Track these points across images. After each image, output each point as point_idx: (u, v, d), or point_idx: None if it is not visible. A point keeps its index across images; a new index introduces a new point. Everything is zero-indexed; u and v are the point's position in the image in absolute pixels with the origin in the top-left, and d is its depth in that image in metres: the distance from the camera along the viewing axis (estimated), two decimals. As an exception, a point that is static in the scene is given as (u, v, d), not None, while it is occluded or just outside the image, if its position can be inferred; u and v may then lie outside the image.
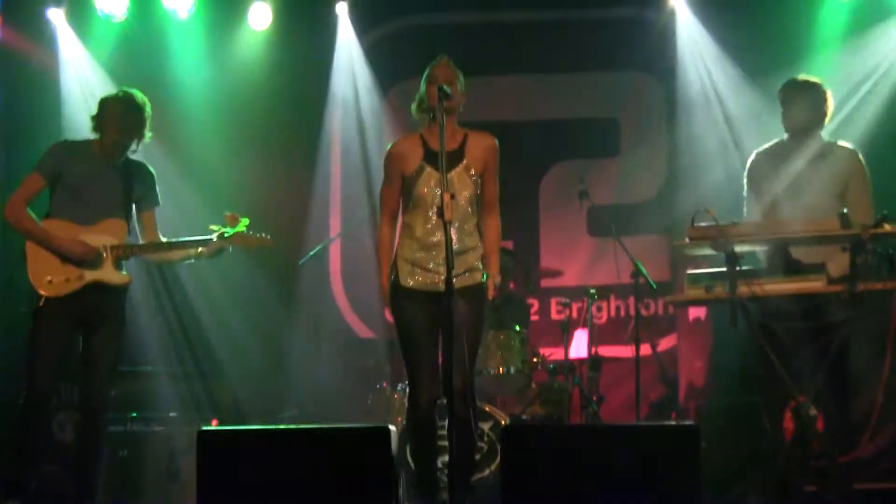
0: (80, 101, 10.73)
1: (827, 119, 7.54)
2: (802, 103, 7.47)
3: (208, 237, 7.60)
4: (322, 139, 11.37)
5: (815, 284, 6.98)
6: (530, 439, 6.00)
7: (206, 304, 10.14)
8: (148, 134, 7.69)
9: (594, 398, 9.57)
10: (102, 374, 7.32)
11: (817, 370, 7.24)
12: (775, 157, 7.53)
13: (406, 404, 8.57)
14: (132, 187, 7.59)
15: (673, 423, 9.45)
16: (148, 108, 7.68)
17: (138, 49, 10.96)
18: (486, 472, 7.86)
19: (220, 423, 8.62)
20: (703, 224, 6.94)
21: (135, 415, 9.19)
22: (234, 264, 10.13)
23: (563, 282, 10.88)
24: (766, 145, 7.64)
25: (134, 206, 7.65)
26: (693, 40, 10.98)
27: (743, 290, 6.89)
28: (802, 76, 7.67)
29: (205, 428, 6.08)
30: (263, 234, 7.77)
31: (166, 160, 10.41)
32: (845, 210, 6.83)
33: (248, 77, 11.04)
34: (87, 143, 7.60)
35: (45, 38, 10.99)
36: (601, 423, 9.31)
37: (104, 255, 7.27)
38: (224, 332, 9.82)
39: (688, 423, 9.03)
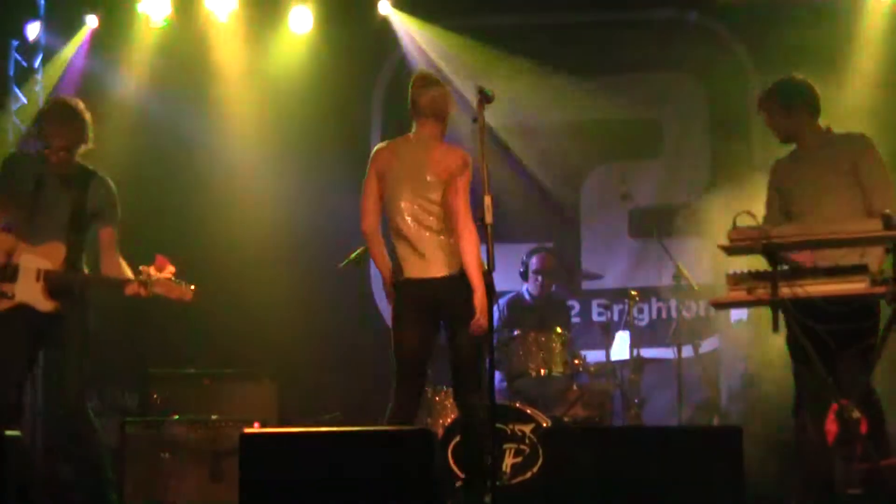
0: (122, 102, 10.80)
1: (817, 109, 7.49)
2: (774, 110, 7.47)
3: (131, 279, 7.34)
4: (365, 143, 11.42)
5: (858, 286, 6.96)
6: (571, 442, 6.00)
7: (247, 306, 10.18)
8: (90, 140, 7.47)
9: (636, 400, 9.58)
10: (64, 387, 7.16)
11: (861, 373, 7.23)
12: (791, 160, 7.52)
13: (447, 406, 8.71)
14: (84, 202, 7.37)
15: (716, 425, 9.44)
16: (86, 114, 7.45)
17: (179, 52, 11.04)
18: (528, 474, 7.87)
19: (263, 426, 8.63)
20: (744, 226, 6.93)
21: (178, 417, 9.24)
22: (277, 267, 10.21)
23: (605, 284, 10.89)
24: (783, 156, 7.63)
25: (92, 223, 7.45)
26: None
27: (785, 291, 6.88)
28: (781, 80, 7.61)
29: (248, 430, 6.08)
30: (188, 285, 7.54)
31: (207, 163, 10.51)
32: (887, 210, 6.81)
33: (289, 80, 11.06)
34: (36, 155, 7.42)
35: (86, 40, 11.08)
36: (643, 425, 9.31)
37: (36, 278, 7.09)
38: (265, 334, 9.85)
39: (731, 425, 9.03)
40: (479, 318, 6.93)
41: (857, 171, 7.27)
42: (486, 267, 6.77)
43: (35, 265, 7.13)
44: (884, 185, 7.25)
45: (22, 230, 7.18)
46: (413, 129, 7.31)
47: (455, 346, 7.02)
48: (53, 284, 7.13)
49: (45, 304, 7.10)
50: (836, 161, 7.35)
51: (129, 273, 7.34)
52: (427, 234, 7.08)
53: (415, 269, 7.13)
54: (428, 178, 7.10)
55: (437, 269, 7.04)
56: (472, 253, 7.09)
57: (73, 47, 11.08)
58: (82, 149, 7.44)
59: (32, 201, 7.21)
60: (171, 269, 7.41)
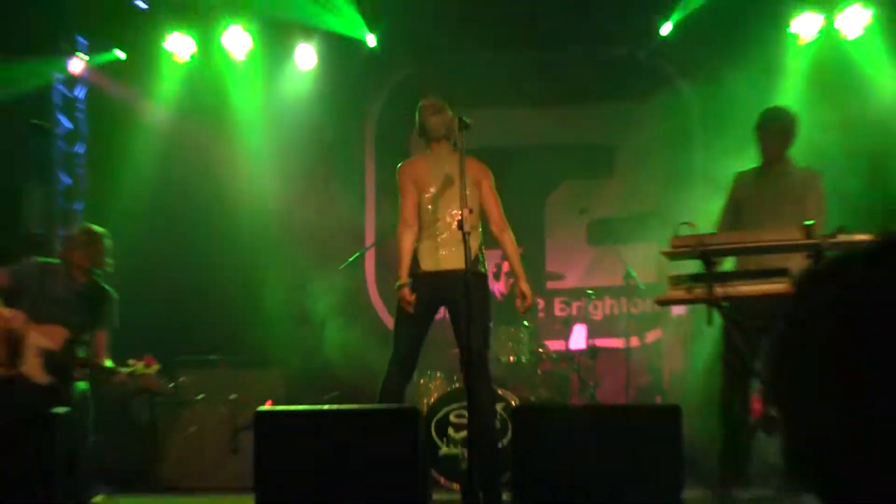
0: (150, 132, 10.88)
1: (791, 143, 7.58)
2: (775, 131, 7.53)
3: (120, 370, 7.35)
4: (360, 161, 11.49)
5: (781, 286, 7.08)
6: (537, 418, 6.06)
7: (259, 303, 10.23)
8: (109, 262, 7.63)
9: (591, 383, 9.63)
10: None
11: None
12: (752, 177, 7.59)
13: (431, 388, 8.79)
14: (89, 310, 7.49)
15: (658, 404, 9.53)
16: (106, 240, 7.59)
17: (200, 84, 11.06)
18: (499, 445, 7.96)
19: (274, 404, 8.69)
20: (684, 235, 7.03)
21: (201, 397, 9.29)
22: (284, 269, 10.26)
23: (565, 284, 10.95)
24: (746, 168, 7.70)
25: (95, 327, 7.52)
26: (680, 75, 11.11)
27: (718, 290, 6.98)
28: (774, 106, 7.67)
29: (261, 408, 6.14)
30: (167, 381, 7.68)
31: (223, 178, 10.56)
32: (808, 222, 6.93)
33: (295, 108, 11.09)
34: (55, 265, 7.51)
35: (120, 75, 11.16)
36: (597, 404, 9.37)
37: (35, 355, 7.08)
38: (275, 327, 9.90)
39: (671, 404, 9.12)
40: (529, 298, 7.14)
41: (805, 199, 7.39)
42: (476, 268, 6.81)
43: (38, 342, 7.13)
44: (820, 214, 7.39)
45: (29, 312, 7.18)
46: (428, 150, 7.30)
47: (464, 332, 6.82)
48: (50, 362, 7.13)
49: (40, 377, 7.04)
50: (793, 188, 7.44)
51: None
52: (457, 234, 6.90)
53: (441, 263, 7.11)
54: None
55: (458, 262, 6.80)
56: (512, 244, 7.29)
57: (106, 79, 11.17)
58: (98, 269, 7.57)
59: (52, 297, 7.33)
60: (156, 367, 7.47)
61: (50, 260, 7.67)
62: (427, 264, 7.09)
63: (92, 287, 7.55)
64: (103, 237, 7.61)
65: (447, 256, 7.07)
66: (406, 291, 6.98)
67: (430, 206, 7.12)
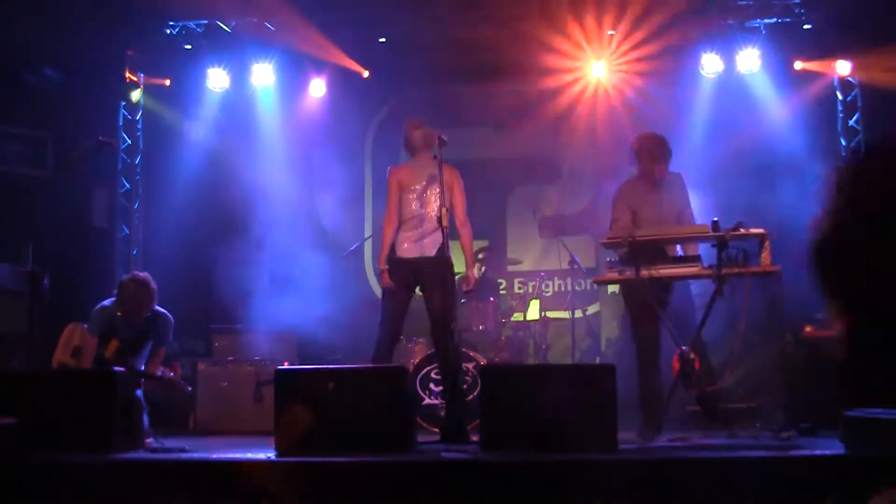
0: (192, 147, 10.83)
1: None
2: (663, 159, 7.45)
3: (152, 374, 7.33)
4: (361, 170, 11.43)
5: (693, 269, 7.02)
6: (500, 376, 6.01)
7: (277, 280, 10.14)
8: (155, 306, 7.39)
9: (543, 347, 9.60)
10: None
11: (692, 327, 7.30)
12: (643, 185, 7.50)
13: (415, 350, 8.70)
14: (146, 336, 7.37)
15: (597, 364, 9.47)
16: (151, 283, 7.33)
17: (233, 108, 11.02)
18: (470, 397, 7.87)
19: (290, 364, 8.60)
20: (616, 229, 6.97)
21: (231, 358, 9.20)
22: (297, 254, 10.17)
23: (522, 268, 10.91)
24: (628, 178, 7.61)
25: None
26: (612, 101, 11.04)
27: (644, 273, 6.91)
28: (650, 134, 7.57)
29: (280, 367, 6.06)
30: (186, 386, 7.60)
31: (249, 188, 10.48)
32: (716, 219, 6.88)
33: (309, 128, 11.03)
34: (116, 312, 7.30)
35: (169, 102, 11.13)
36: (548, 364, 9.33)
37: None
38: (290, 301, 9.81)
39: (607, 364, 9.05)
40: (472, 282, 7.17)
41: (679, 198, 7.34)
42: (445, 255, 6.77)
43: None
44: (688, 206, 7.48)
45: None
46: (412, 158, 7.31)
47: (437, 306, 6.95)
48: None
49: None
50: (675, 193, 7.41)
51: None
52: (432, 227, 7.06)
53: (421, 250, 7.09)
54: (436, 189, 7.07)
55: (433, 250, 6.99)
56: (469, 238, 7.25)
57: (159, 104, 11.15)
58: (149, 309, 7.34)
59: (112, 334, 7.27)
60: (179, 372, 7.55)
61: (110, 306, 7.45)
62: (408, 252, 7.02)
63: (147, 321, 7.35)
64: (148, 284, 7.33)
65: (424, 245, 7.05)
66: (386, 275, 7.04)
67: (412, 204, 7.10)
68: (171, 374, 7.38)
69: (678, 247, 7.37)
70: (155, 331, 7.38)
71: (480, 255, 10.04)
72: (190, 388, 7.47)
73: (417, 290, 7.24)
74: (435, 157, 6.80)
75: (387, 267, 7.06)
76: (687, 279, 7.27)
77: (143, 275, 7.44)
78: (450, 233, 7.02)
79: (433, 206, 7.07)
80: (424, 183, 7.14)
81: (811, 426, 6.75)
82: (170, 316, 7.47)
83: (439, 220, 6.61)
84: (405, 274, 7.06)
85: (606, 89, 11.02)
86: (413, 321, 7.39)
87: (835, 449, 5.49)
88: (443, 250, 6.69)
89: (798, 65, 10.58)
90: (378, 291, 7.55)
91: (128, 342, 7.27)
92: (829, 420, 6.45)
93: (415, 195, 7.14)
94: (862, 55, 10.25)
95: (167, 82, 11.02)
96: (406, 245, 7.10)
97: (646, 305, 6.99)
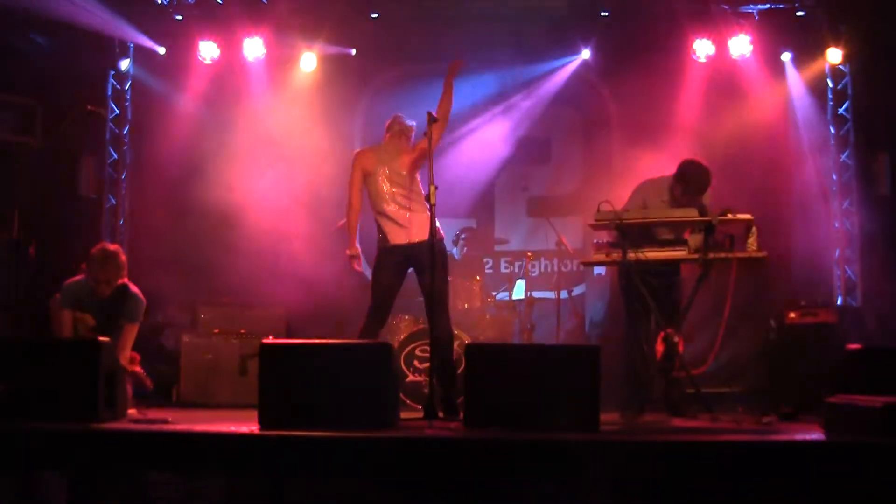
0: (180, 118, 10.77)
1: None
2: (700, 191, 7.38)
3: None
4: (350, 146, 11.38)
5: (680, 253, 7.05)
6: (485, 354, 6.01)
7: (265, 256, 10.13)
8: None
9: (528, 326, 9.62)
10: None
11: (678, 310, 7.32)
12: (664, 189, 7.46)
13: (400, 327, 8.71)
14: (114, 311, 7.27)
15: (582, 344, 9.49)
16: (121, 255, 7.28)
17: (224, 80, 10.93)
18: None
19: (276, 338, 8.60)
20: (604, 211, 6.97)
21: (216, 331, 9.19)
22: (286, 229, 10.16)
23: (509, 247, 10.92)
24: (661, 177, 7.56)
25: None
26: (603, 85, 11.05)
27: (631, 255, 6.93)
28: (697, 166, 7.40)
29: (265, 341, 6.04)
30: (147, 377, 7.40)
31: (238, 162, 10.44)
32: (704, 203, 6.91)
33: (299, 102, 10.92)
34: (87, 285, 7.26)
35: (158, 73, 11.09)
36: (533, 343, 9.35)
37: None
38: (279, 276, 9.81)
39: (592, 345, 9.08)
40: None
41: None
42: (436, 235, 6.75)
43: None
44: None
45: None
46: (385, 140, 7.36)
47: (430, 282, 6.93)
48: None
49: None
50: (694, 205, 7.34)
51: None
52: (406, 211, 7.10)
53: (400, 237, 7.12)
54: (403, 172, 7.10)
55: (420, 234, 7.00)
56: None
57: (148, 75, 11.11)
58: (118, 281, 7.26)
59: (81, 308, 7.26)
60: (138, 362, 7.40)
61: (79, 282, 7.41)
62: (398, 238, 7.14)
63: (115, 295, 7.28)
64: (118, 254, 7.28)
65: (412, 229, 7.09)
66: (356, 262, 7.22)
67: (385, 189, 7.22)
68: (139, 368, 7.30)
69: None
70: (125, 308, 7.27)
71: (464, 235, 10.04)
72: (151, 384, 7.37)
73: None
74: (425, 134, 6.78)
75: (356, 253, 7.15)
76: (673, 262, 7.30)
77: (114, 246, 7.41)
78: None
79: (416, 188, 7.09)
80: (397, 165, 7.15)
81: (792, 412, 6.78)
82: (141, 296, 7.37)
83: (427, 198, 6.60)
84: (398, 260, 7.09)
85: (597, 70, 11.01)
86: (399, 297, 7.38)
87: (815, 434, 5.52)
88: (433, 232, 6.68)
89: (786, 56, 10.61)
90: (368, 271, 7.53)
91: (101, 319, 7.23)
92: (811, 405, 6.50)
93: (383, 178, 7.19)
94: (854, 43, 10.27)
95: (162, 50, 10.92)
96: (395, 231, 7.10)
97: (633, 287, 7.01)
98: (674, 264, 7.37)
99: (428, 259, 6.69)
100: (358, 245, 7.30)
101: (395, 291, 7.21)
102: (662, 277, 7.27)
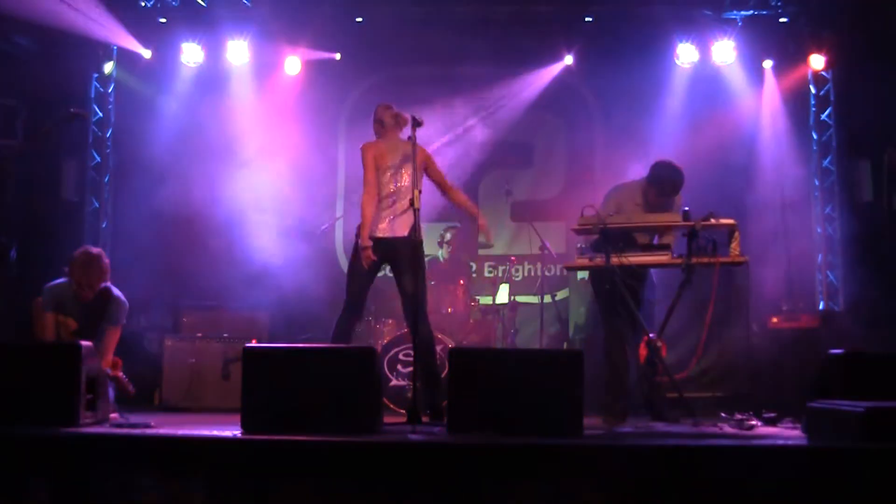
0: (163, 121, 10.74)
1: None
2: (673, 192, 7.40)
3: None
4: (334, 148, 11.40)
5: (663, 258, 7.05)
6: (469, 357, 6.00)
7: (249, 259, 10.09)
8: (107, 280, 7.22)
9: (511, 331, 9.62)
10: None
11: (646, 308, 7.36)
12: (637, 193, 7.46)
13: (384, 332, 8.69)
14: (96, 315, 7.17)
15: (565, 349, 9.50)
16: (104, 258, 7.20)
17: (208, 83, 10.94)
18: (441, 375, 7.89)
19: (259, 342, 8.57)
20: (587, 215, 6.98)
21: (199, 335, 9.16)
22: (269, 232, 10.15)
23: (493, 251, 10.91)
24: (634, 181, 7.56)
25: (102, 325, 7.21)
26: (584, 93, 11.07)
27: (614, 260, 6.94)
28: (669, 165, 7.39)
29: (248, 345, 6.01)
30: (130, 383, 7.20)
31: (224, 156, 10.43)
32: (687, 209, 6.92)
33: (283, 105, 10.94)
34: (69, 287, 7.16)
35: (141, 76, 11.06)
36: (516, 348, 9.35)
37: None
38: (261, 279, 9.79)
39: (574, 349, 9.09)
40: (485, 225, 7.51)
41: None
42: (417, 237, 6.73)
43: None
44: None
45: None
46: (382, 138, 7.26)
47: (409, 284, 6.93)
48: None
49: None
50: (669, 209, 7.34)
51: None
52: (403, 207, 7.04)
53: (392, 230, 7.05)
54: (409, 169, 7.06)
55: (405, 230, 6.98)
56: (463, 195, 7.61)
57: (131, 77, 11.09)
58: (100, 284, 7.17)
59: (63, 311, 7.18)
60: (120, 363, 7.22)
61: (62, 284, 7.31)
62: (381, 231, 7.00)
63: (98, 298, 7.18)
64: (100, 257, 7.20)
65: (396, 225, 7.03)
66: (370, 252, 6.96)
67: (388, 183, 7.07)
68: (121, 373, 7.24)
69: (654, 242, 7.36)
70: (107, 311, 7.19)
71: (448, 237, 10.03)
72: (133, 389, 7.30)
73: (387, 270, 7.24)
74: (409, 137, 6.77)
75: (371, 244, 6.97)
76: (657, 267, 7.31)
77: (96, 249, 7.35)
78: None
79: (406, 187, 7.04)
80: (398, 162, 7.10)
81: (774, 416, 6.80)
82: (123, 299, 7.28)
83: (411, 201, 6.60)
84: (376, 253, 7.03)
85: (580, 74, 11.04)
86: (382, 301, 7.39)
87: (797, 439, 5.54)
88: (415, 231, 6.68)
89: (768, 63, 10.67)
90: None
91: (84, 322, 7.18)
92: (793, 410, 6.52)
93: (389, 173, 7.10)
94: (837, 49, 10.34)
95: (146, 54, 10.90)
96: (379, 224, 7.06)
97: (615, 293, 7.00)
98: (664, 269, 7.39)
99: (407, 255, 6.69)
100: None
101: (370, 284, 7.19)
102: (635, 278, 7.28)
